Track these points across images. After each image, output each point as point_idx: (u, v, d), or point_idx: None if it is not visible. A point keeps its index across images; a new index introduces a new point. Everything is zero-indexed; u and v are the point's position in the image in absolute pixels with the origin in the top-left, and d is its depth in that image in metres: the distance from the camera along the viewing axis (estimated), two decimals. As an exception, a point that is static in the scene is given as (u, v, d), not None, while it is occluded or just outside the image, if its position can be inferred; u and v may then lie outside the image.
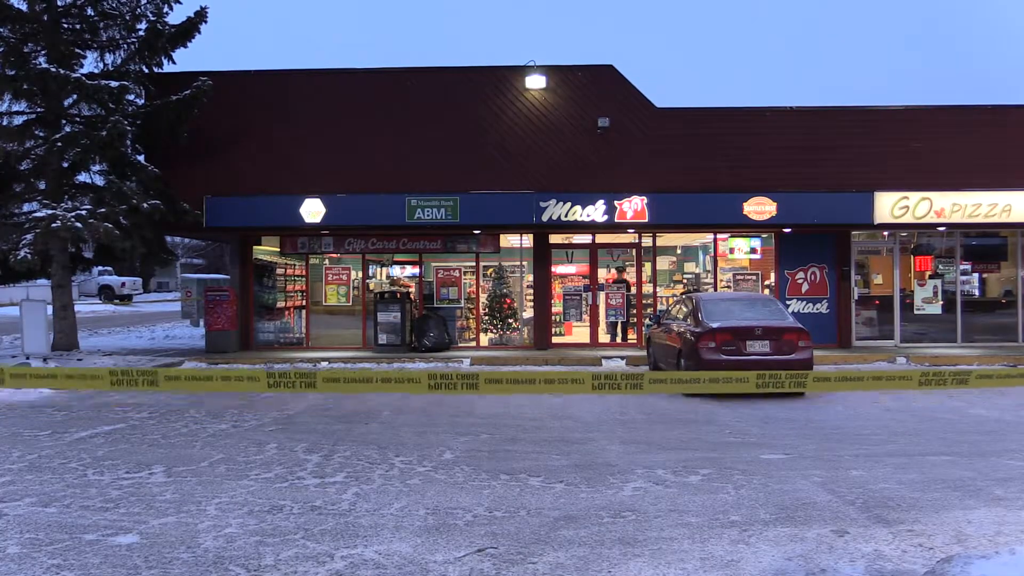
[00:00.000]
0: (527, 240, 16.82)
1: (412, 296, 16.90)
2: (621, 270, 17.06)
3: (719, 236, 16.68)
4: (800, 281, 16.23)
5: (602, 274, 17.32)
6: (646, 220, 15.05)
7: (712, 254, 16.93)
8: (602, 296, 16.78)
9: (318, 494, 5.70)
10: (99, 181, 15.28)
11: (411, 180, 15.44)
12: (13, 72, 14.00)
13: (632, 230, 16.02)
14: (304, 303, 17.35)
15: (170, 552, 4.51)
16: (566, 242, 17.75)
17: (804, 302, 16.16)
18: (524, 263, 17.10)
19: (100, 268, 35.94)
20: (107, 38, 15.36)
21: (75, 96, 14.75)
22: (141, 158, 15.36)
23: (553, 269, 17.34)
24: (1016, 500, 5.43)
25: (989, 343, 16.05)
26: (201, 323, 21.75)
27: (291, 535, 4.81)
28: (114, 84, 14.41)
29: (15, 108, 14.85)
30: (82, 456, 6.92)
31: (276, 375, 6.16)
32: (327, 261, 17.53)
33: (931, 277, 16.47)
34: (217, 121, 15.62)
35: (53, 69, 13.91)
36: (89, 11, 15.04)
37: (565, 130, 15.58)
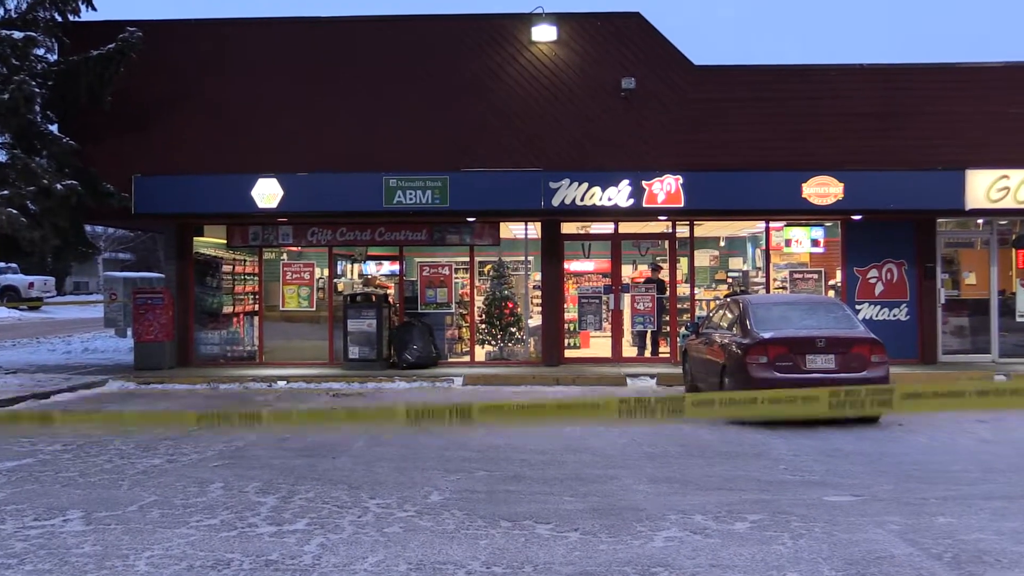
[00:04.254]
0: (533, 230, 16.83)
1: (391, 299, 16.90)
2: (655, 268, 17.06)
3: (772, 225, 16.67)
4: (873, 281, 16.21)
5: (627, 272, 17.32)
6: (681, 205, 15.04)
7: (763, 247, 16.91)
8: (627, 299, 16.76)
9: (274, 545, 5.69)
10: (1, 157, 15.30)
11: (390, 155, 15.43)
12: None
13: (664, 217, 16.01)
14: (257, 308, 17.35)
15: (90, 617, 4.51)
16: (582, 232, 17.73)
17: (878, 307, 16.15)
18: (530, 258, 17.09)
19: (2, 265, 35.98)
20: (10, -22, 15.39)
21: (-30, 51, 14.76)
22: (54, 128, 15.37)
23: (566, 266, 17.34)
24: None
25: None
26: (129, 333, 21.76)
27: (240, 596, 4.80)
28: (18, 35, 14.42)
29: None
30: (-19, 498, 6.93)
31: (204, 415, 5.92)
32: (285, 256, 17.54)
33: (1038, 276, 16.44)
34: (149, 83, 15.62)
35: (-56, 17, 13.93)
36: (-12, -56, 15.07)
37: (581, 93, 15.57)
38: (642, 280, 17.04)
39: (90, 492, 7.14)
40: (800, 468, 7.98)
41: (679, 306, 16.76)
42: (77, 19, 15.75)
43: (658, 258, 17.39)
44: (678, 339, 16.23)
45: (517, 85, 15.63)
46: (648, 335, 16.83)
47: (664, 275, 16.88)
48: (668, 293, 16.70)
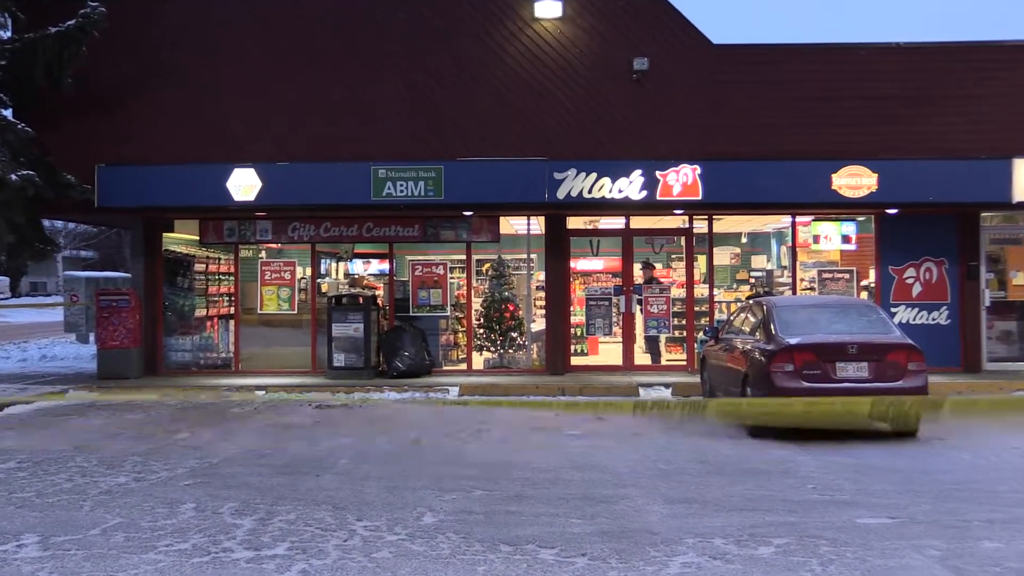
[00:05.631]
0: (536, 225, 16.82)
1: (380, 301, 16.90)
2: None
3: (799, 219, 16.67)
4: (910, 281, 16.20)
5: (639, 271, 17.30)
6: (699, 197, 15.04)
7: (790, 244, 16.91)
8: (639, 302, 16.75)
9: (251, 572, 5.68)
10: (-49, 145, 15.30)
11: (379, 143, 15.44)
12: None
13: (680, 211, 16.00)
14: (233, 311, 17.35)
15: (49, 651, 4.51)
16: (590, 228, 17.73)
17: (915, 309, 16.14)
18: (533, 256, 17.09)
19: (-46, 263, 35.98)
20: (-42, -54, 15.37)
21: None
22: (7, 113, 15.35)
23: (572, 265, 17.32)
24: None
25: None
26: (92, 338, 21.76)
27: (214, 628, 4.79)
28: (-32, 10, 14.41)
29: None
30: (-72, 520, 6.92)
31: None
32: (264, 254, 17.54)
33: (1095, 275, 16.43)
34: (114, 62, 15.64)
35: None
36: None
37: (589, 75, 15.57)
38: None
39: (48, 514, 7.12)
40: (830, 487, 7.97)
41: (696, 308, 16.75)
42: (34, -7, 15.76)
43: (673, 256, 17.37)
44: (695, 345, 16.22)
45: (519, 66, 15.63)
46: (662, 341, 16.83)
47: (679, 275, 16.87)
48: (684, 294, 16.68)
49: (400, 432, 10.95)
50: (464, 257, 17.08)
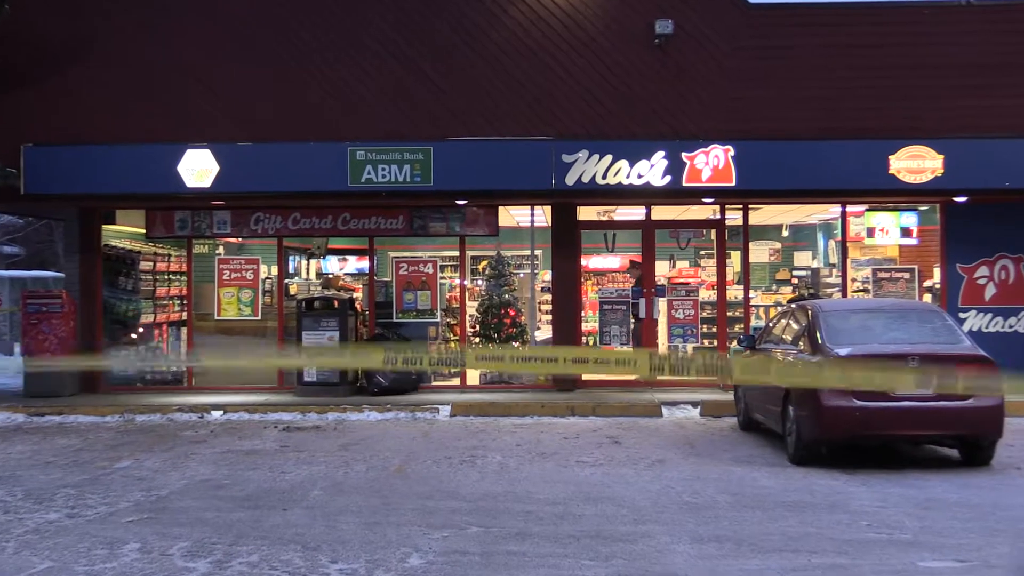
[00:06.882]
0: (542, 216, 16.83)
1: (358, 305, 16.90)
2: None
3: (850, 209, 16.66)
4: (982, 281, 16.18)
5: (662, 269, 17.31)
6: (732, 183, 15.02)
7: (839, 238, 16.89)
8: (662, 305, 16.73)
9: (205, 623, 5.68)
10: None
11: (357, 120, 15.45)
12: None
13: (710, 199, 16.00)
14: (185, 316, 17.34)
15: None
16: (605, 219, 17.73)
17: (989, 315, 16.12)
18: (537, 253, 17.08)
19: None
20: None
21: None
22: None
23: (584, 262, 17.32)
24: None
25: None
26: (17, 349, 21.75)
27: None
28: None
29: None
30: None
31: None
32: (222, 249, 17.55)
33: None
34: (45, 25, 15.64)
35: None
36: None
37: (603, 40, 15.56)
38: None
39: (-33, 555, 7.12)
40: (887, 523, 7.96)
41: (729, 314, 16.73)
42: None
43: (702, 252, 17.35)
44: (728, 356, 16.19)
45: (521, 30, 15.61)
46: (689, 351, 16.81)
47: (707, 274, 16.86)
48: (715, 296, 16.70)
49: (382, 458, 10.93)
50: (457, 253, 17.07)
